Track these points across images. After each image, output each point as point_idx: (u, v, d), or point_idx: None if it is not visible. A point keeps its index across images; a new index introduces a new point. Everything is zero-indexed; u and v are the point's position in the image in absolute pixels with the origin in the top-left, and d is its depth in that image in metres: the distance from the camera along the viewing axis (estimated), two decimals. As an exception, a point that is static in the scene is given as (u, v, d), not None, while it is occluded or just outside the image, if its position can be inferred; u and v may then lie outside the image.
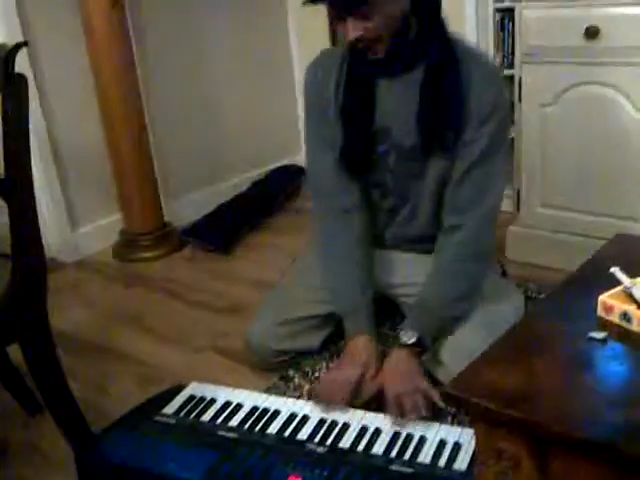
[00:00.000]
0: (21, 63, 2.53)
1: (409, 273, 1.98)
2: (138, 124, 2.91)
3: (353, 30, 1.59)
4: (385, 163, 1.84)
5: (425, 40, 1.70)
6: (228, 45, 3.40)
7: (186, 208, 3.25)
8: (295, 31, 3.66)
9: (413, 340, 1.73)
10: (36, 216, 1.53)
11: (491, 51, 2.94)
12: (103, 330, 2.37)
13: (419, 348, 1.76)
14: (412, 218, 1.93)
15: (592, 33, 2.21)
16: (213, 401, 1.73)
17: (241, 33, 3.45)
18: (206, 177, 3.42)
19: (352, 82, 1.79)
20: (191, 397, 1.75)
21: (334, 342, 2.08)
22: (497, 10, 2.90)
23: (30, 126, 2.62)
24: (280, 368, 2.00)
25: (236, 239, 3.08)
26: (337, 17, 1.62)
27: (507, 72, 2.84)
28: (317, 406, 1.70)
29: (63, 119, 2.88)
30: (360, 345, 1.82)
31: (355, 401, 1.72)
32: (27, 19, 2.69)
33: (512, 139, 2.57)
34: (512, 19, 2.57)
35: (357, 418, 1.64)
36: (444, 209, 1.84)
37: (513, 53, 2.55)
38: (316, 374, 1.97)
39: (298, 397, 1.85)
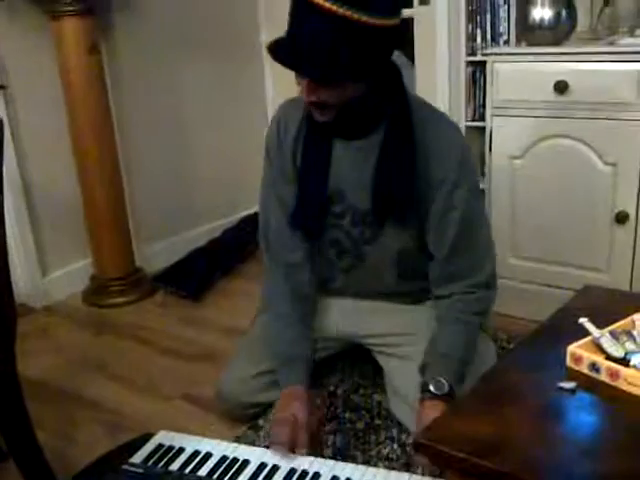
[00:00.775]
0: (-4, 107, 2.59)
1: (377, 324, 1.97)
2: (112, 170, 2.91)
3: (308, 94, 1.56)
4: (340, 224, 1.83)
5: (383, 107, 1.69)
6: (203, 93, 3.43)
7: (158, 254, 3.23)
8: (271, 80, 3.70)
9: (446, 390, 1.65)
10: (7, 262, 1.51)
11: (463, 103, 2.99)
12: (71, 377, 2.33)
13: (449, 397, 1.67)
14: (372, 280, 1.92)
15: (561, 87, 2.27)
16: (182, 450, 1.70)
17: (217, 81, 3.48)
18: (179, 223, 3.41)
19: (309, 141, 1.77)
20: (159, 446, 1.72)
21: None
22: (469, 63, 2.96)
23: (3, 170, 2.66)
24: (250, 418, 1.98)
25: (208, 285, 3.07)
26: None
27: (478, 124, 2.90)
28: (275, 452, 1.66)
29: (37, 164, 2.87)
30: (299, 391, 1.77)
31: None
32: (3, 62, 2.70)
33: (482, 191, 2.61)
34: (484, 72, 2.62)
35: (328, 468, 1.62)
36: (434, 277, 1.83)
37: (484, 106, 2.60)
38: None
39: (267, 446, 1.82)
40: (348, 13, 1.42)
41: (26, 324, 2.70)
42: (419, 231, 1.78)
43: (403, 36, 1.63)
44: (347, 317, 2.00)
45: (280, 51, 1.53)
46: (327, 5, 1.42)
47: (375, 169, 1.71)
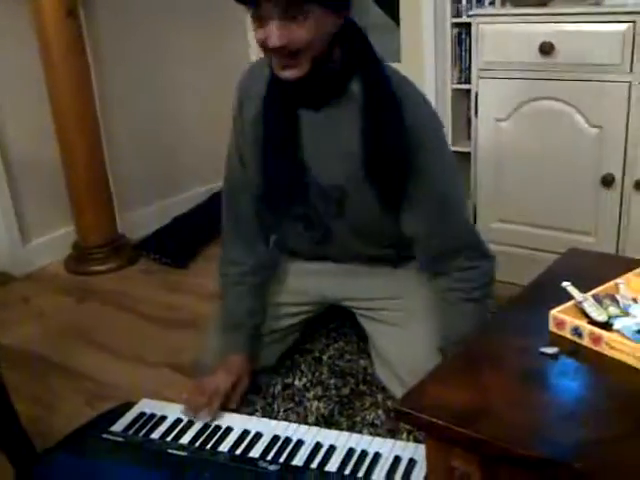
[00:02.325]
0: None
1: (359, 287, 1.96)
2: (93, 135, 2.86)
3: (277, 34, 1.42)
4: (306, 197, 1.75)
5: (350, 72, 1.59)
6: (186, 56, 3.37)
7: (142, 220, 3.20)
8: (254, 42, 3.64)
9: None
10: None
11: (448, 66, 2.95)
12: (53, 345, 2.30)
13: None
14: (343, 251, 1.90)
15: (547, 49, 2.23)
16: (164, 418, 1.70)
17: (199, 43, 3.42)
18: (162, 189, 3.37)
19: (272, 112, 1.66)
20: (141, 414, 1.71)
21: (289, 357, 2.06)
22: (454, 25, 2.92)
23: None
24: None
25: (192, 252, 3.04)
26: (261, 17, 1.44)
27: (464, 87, 2.87)
28: (185, 411, 1.73)
29: (16, 130, 2.82)
30: (237, 361, 1.84)
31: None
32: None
33: (468, 153, 2.58)
34: (469, 34, 2.59)
35: (311, 435, 1.62)
36: (420, 258, 1.79)
37: (470, 68, 2.56)
38: (270, 390, 1.94)
39: (251, 414, 1.81)
40: None
41: (7, 292, 2.69)
42: (388, 210, 1.70)
43: None
44: (328, 279, 1.98)
45: None
46: None
47: (362, 133, 1.60)
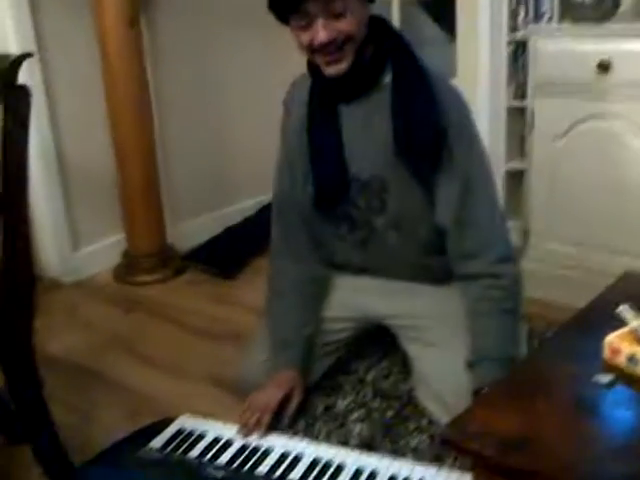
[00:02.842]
0: (34, 77, 2.57)
1: (401, 304, 1.92)
2: (148, 145, 2.88)
3: (324, 31, 1.52)
4: (348, 195, 1.77)
5: (382, 64, 1.66)
6: (242, 69, 3.38)
7: (191, 231, 3.21)
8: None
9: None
10: (28, 233, 1.48)
11: (504, 82, 2.90)
12: (96, 355, 2.31)
13: None
14: (388, 254, 1.86)
15: (604, 67, 2.18)
16: (202, 436, 1.67)
17: (258, 58, 3.43)
18: (214, 200, 3.38)
19: (315, 116, 1.74)
20: (179, 431, 1.69)
21: (332, 377, 2.02)
22: (510, 42, 2.87)
23: (38, 141, 2.65)
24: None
25: (241, 263, 3.03)
26: (305, 21, 1.54)
27: (519, 104, 2.81)
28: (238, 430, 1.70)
29: (72, 136, 2.86)
30: (288, 375, 1.81)
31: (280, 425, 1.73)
32: (42, 32, 2.68)
33: (522, 171, 2.53)
34: (525, 51, 2.54)
35: (352, 459, 1.58)
36: (453, 256, 1.76)
37: (525, 85, 2.52)
38: (312, 411, 1.90)
39: (292, 435, 1.78)
40: None
41: (55, 300, 2.71)
42: (425, 197, 1.71)
43: None
44: (372, 296, 1.95)
45: None
46: None
47: (392, 115, 1.64)
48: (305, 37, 1.55)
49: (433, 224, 1.74)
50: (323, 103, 1.72)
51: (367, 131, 1.69)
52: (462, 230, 1.69)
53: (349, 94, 1.69)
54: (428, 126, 1.61)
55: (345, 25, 1.53)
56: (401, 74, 1.65)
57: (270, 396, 1.76)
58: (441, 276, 1.90)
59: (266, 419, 1.71)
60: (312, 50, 1.57)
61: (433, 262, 1.87)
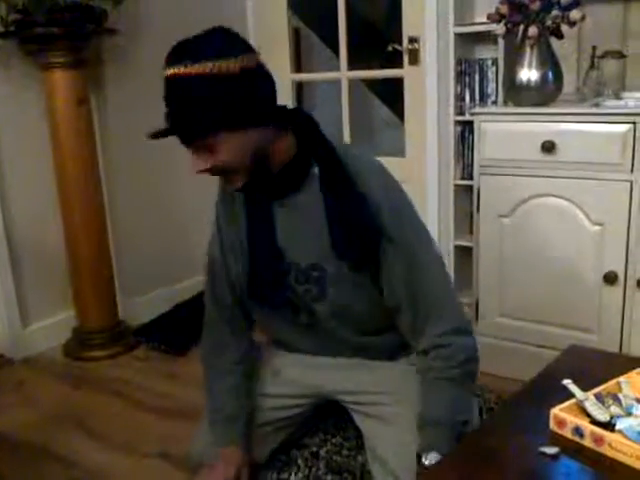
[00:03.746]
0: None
1: (350, 380, 1.92)
2: (98, 222, 2.89)
3: (197, 163, 1.54)
4: (287, 282, 1.76)
5: (305, 157, 1.65)
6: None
7: (142, 307, 3.19)
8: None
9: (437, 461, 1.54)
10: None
11: (451, 162, 3.00)
12: (45, 432, 2.26)
13: None
14: (332, 338, 1.85)
15: (548, 147, 2.27)
16: (152, 512, 1.64)
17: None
18: (164, 276, 3.37)
19: (251, 208, 1.73)
20: (129, 507, 1.66)
21: (285, 452, 2.01)
22: (457, 122, 2.98)
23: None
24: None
25: (191, 340, 3.01)
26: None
27: (466, 183, 2.90)
28: None
29: (22, 214, 2.86)
30: (235, 453, 1.78)
31: None
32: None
33: (470, 248, 2.59)
34: (472, 131, 2.64)
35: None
36: (403, 332, 1.75)
37: (472, 165, 2.60)
38: (267, 485, 1.88)
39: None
40: (189, 70, 1.47)
41: (3, 376, 2.66)
42: (365, 282, 1.71)
43: (262, 80, 1.55)
44: (323, 373, 1.94)
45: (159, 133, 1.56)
46: (170, 72, 1.49)
47: (328, 221, 1.65)
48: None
49: (376, 307, 1.74)
50: (256, 198, 1.72)
51: (302, 221, 1.70)
52: (411, 311, 1.70)
53: (274, 193, 1.69)
54: (365, 229, 1.63)
55: (217, 158, 1.52)
56: (325, 173, 1.66)
57: (222, 475, 1.72)
58: (395, 350, 1.91)
59: None
60: None
61: (385, 339, 1.88)
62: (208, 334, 1.93)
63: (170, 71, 1.49)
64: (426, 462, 1.56)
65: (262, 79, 1.55)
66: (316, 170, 1.66)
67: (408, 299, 1.69)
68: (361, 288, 1.72)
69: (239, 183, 1.58)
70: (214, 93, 1.49)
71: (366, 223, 1.63)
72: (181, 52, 1.52)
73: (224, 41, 1.56)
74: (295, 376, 1.95)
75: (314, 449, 2.05)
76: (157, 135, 1.57)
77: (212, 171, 1.55)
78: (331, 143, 1.68)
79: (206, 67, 1.47)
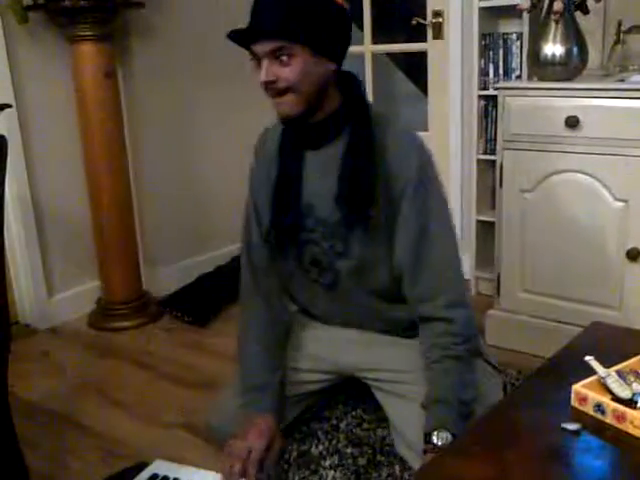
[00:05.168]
0: (10, 127, 2.60)
1: (372, 357, 1.94)
2: (123, 194, 2.91)
3: (266, 72, 1.58)
4: (314, 238, 1.82)
5: (346, 115, 1.72)
6: (217, 119, 3.44)
7: (166, 278, 3.22)
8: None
9: (449, 440, 1.58)
10: (4, 279, 1.49)
11: (474, 137, 2.98)
12: (70, 401, 2.30)
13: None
14: (349, 298, 1.89)
15: (572, 123, 2.25)
16: (176, 480, 1.68)
17: (231, 108, 3.49)
18: (188, 248, 3.40)
19: (283, 155, 1.80)
20: (153, 476, 1.70)
21: (306, 424, 2.03)
22: (481, 97, 2.96)
23: (14, 189, 2.68)
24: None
25: (215, 311, 3.04)
26: (256, 60, 1.62)
27: (489, 157, 2.89)
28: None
29: (48, 185, 2.88)
30: (267, 422, 1.79)
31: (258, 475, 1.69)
32: (21, 84, 2.73)
33: (492, 223, 2.59)
34: (495, 106, 2.62)
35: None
36: (408, 300, 1.80)
37: (495, 139, 2.59)
38: (286, 456, 1.91)
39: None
40: None
41: (29, 345, 2.70)
42: (387, 244, 1.76)
43: (350, 27, 1.68)
44: (341, 348, 1.97)
45: (244, 29, 1.60)
46: None
47: (338, 171, 1.72)
48: (257, 74, 1.62)
49: (393, 271, 1.79)
50: (291, 148, 1.79)
51: (330, 177, 1.74)
52: (415, 274, 1.74)
53: (312, 142, 1.76)
54: (362, 189, 1.71)
55: (285, 73, 1.58)
56: (354, 137, 1.72)
57: (253, 445, 1.73)
58: (410, 328, 1.93)
59: (252, 471, 1.68)
60: (265, 88, 1.63)
61: (399, 312, 1.90)
62: (243, 301, 1.98)
63: None
64: (438, 442, 1.58)
65: (350, 25, 1.67)
66: (348, 129, 1.73)
67: (414, 265, 1.73)
68: (383, 248, 1.76)
69: (295, 108, 1.64)
70: (321, 10, 1.58)
71: (364, 185, 1.70)
72: None
73: None
74: (319, 352, 1.98)
75: (334, 422, 2.08)
76: (240, 35, 1.61)
77: (277, 85, 1.59)
78: (369, 108, 1.75)
79: None
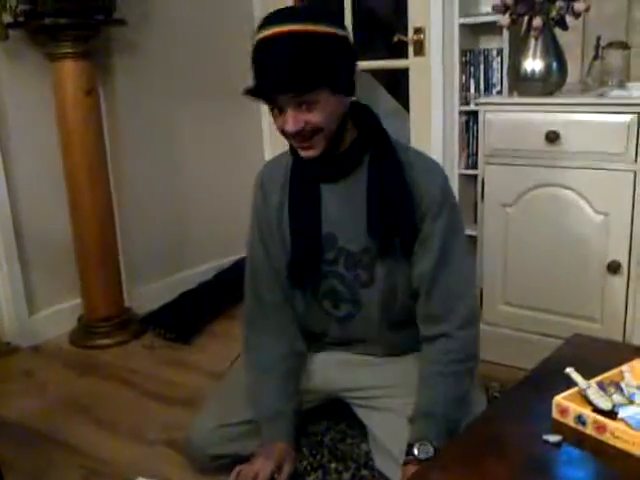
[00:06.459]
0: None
1: (362, 377, 1.94)
2: (105, 211, 2.90)
3: (292, 121, 1.58)
4: (334, 270, 1.81)
5: (365, 144, 1.72)
6: (200, 137, 3.44)
7: (148, 295, 3.20)
8: (267, 119, 3.71)
9: (431, 454, 1.59)
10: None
11: (456, 151, 3.00)
12: (51, 419, 2.28)
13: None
14: (365, 326, 1.89)
15: (552, 137, 2.28)
16: (159, 498, 1.66)
17: (214, 126, 3.50)
18: (171, 265, 3.39)
19: (296, 192, 1.78)
20: (136, 493, 1.68)
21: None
22: (462, 112, 2.98)
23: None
24: (217, 469, 1.91)
25: (197, 328, 3.03)
26: (278, 109, 1.61)
27: (471, 172, 2.91)
28: None
29: (29, 200, 2.86)
30: (278, 447, 1.79)
31: None
32: (0, 102, 2.72)
33: (474, 237, 2.60)
34: (477, 121, 2.64)
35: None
36: (419, 317, 1.80)
37: (477, 154, 2.60)
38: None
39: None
40: (306, 28, 1.55)
41: (10, 364, 2.68)
42: (409, 267, 1.77)
43: (355, 53, 1.68)
44: (330, 371, 1.97)
45: (259, 83, 1.59)
46: (286, 29, 1.55)
47: (365, 201, 1.72)
48: (278, 122, 1.62)
49: (411, 293, 1.80)
50: (305, 180, 1.77)
51: (352, 206, 1.75)
52: (432, 292, 1.75)
53: (329, 175, 1.76)
54: (398, 213, 1.71)
55: (314, 117, 1.58)
56: (377, 158, 1.73)
57: (260, 467, 1.73)
58: (405, 349, 1.94)
59: None
60: (284, 134, 1.63)
61: (408, 333, 1.90)
62: (250, 333, 1.94)
63: (284, 28, 1.55)
64: (419, 455, 1.59)
65: (355, 52, 1.68)
66: (366, 159, 1.74)
67: (432, 281, 1.74)
68: (405, 271, 1.78)
69: (318, 149, 1.65)
70: (330, 52, 1.59)
71: (401, 208, 1.70)
72: (293, 13, 1.66)
73: (331, 11, 1.72)
74: (315, 375, 1.98)
75: (318, 437, 2.07)
76: (256, 91, 1.61)
77: (303, 132, 1.60)
78: (387, 133, 1.77)
79: (324, 28, 1.58)
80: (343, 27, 1.64)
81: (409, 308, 1.84)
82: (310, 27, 1.55)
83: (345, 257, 1.79)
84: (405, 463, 1.62)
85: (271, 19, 1.59)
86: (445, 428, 1.65)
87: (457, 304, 1.75)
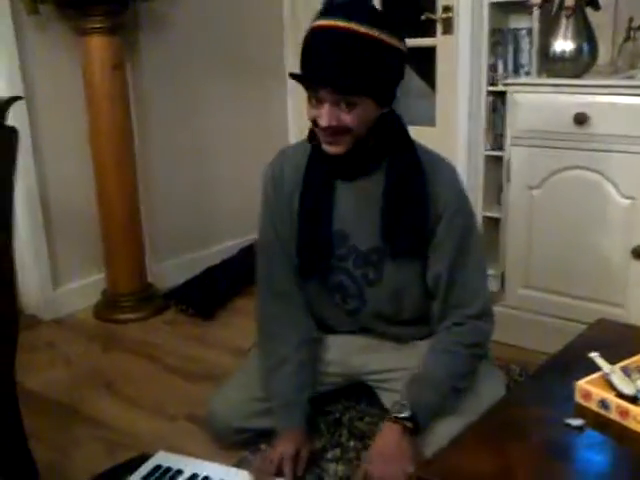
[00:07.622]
0: (19, 118, 2.60)
1: (381, 360, 1.96)
2: (130, 186, 2.91)
3: (329, 117, 1.57)
4: (344, 266, 1.83)
5: (385, 148, 1.72)
6: (226, 112, 3.44)
7: (172, 270, 3.22)
8: (293, 99, 3.70)
9: (404, 414, 1.65)
10: (13, 270, 1.49)
11: (482, 132, 2.97)
12: (75, 392, 2.31)
13: (412, 425, 1.66)
14: (374, 320, 1.91)
15: (580, 119, 2.25)
16: (179, 472, 1.68)
17: (239, 103, 3.49)
18: (194, 241, 3.40)
19: (311, 183, 1.79)
20: (157, 467, 1.70)
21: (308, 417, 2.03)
22: (489, 93, 2.95)
23: (22, 180, 2.68)
24: (239, 444, 1.93)
25: (220, 304, 3.05)
26: (316, 98, 1.59)
27: (497, 154, 2.88)
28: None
29: (56, 176, 2.88)
30: (294, 433, 1.81)
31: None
32: (30, 76, 2.73)
33: (498, 219, 2.58)
34: (504, 102, 2.61)
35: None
36: (434, 316, 1.83)
37: (503, 135, 2.58)
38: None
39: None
40: (371, 32, 1.52)
41: (34, 336, 2.70)
42: (419, 269, 1.79)
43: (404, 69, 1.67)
44: (350, 353, 1.98)
45: (308, 71, 1.59)
46: (350, 26, 1.52)
47: (380, 203, 1.73)
48: (313, 111, 1.61)
49: (421, 294, 1.83)
50: (321, 174, 1.77)
51: (365, 206, 1.76)
52: (449, 292, 1.77)
53: (346, 173, 1.76)
54: (415, 218, 1.72)
55: (348, 119, 1.58)
56: (397, 164, 1.73)
57: (284, 450, 1.75)
58: (416, 338, 1.95)
59: (287, 469, 1.72)
60: (315, 124, 1.63)
61: (417, 330, 1.93)
62: (264, 323, 1.96)
63: (349, 25, 1.52)
64: (391, 411, 1.70)
65: (404, 66, 1.66)
66: (387, 161, 1.74)
67: (449, 282, 1.76)
68: (414, 272, 1.79)
69: (344, 147, 1.64)
70: (386, 65, 1.58)
71: (417, 212, 1.71)
72: (361, 11, 1.58)
73: (393, 20, 1.63)
74: (326, 355, 1.99)
75: (337, 415, 2.08)
76: (301, 77, 1.61)
77: (334, 129, 1.60)
78: (411, 140, 1.77)
79: (388, 38, 1.56)
80: (404, 39, 1.62)
81: (419, 307, 1.87)
82: (375, 33, 1.53)
83: (355, 255, 1.81)
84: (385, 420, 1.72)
85: (337, 9, 1.56)
86: (433, 401, 1.70)
87: (473, 299, 1.78)
